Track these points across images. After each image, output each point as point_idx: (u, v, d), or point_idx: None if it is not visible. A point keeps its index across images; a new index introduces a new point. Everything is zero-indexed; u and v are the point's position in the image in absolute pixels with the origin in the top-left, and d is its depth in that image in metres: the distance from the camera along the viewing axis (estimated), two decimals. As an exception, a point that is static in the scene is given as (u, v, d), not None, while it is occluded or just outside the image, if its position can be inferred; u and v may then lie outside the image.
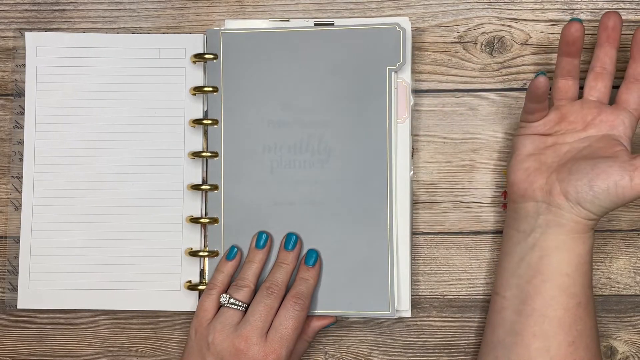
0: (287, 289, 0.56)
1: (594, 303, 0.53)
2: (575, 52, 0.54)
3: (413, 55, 0.60)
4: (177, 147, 0.60)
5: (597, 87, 0.55)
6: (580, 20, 0.53)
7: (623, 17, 0.59)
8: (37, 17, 0.61)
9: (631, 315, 0.60)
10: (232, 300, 0.54)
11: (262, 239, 0.57)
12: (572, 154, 0.53)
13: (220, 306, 0.55)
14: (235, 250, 0.57)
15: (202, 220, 0.58)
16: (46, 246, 0.59)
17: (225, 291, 0.56)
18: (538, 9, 0.60)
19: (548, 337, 0.51)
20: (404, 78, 0.58)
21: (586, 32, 0.60)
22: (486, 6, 0.60)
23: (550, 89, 0.55)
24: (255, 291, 0.56)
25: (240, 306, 0.54)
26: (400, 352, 0.61)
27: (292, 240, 0.57)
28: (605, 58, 0.55)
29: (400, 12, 0.61)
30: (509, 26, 0.60)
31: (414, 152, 0.60)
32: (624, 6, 0.60)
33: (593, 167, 0.50)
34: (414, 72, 0.60)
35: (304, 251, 0.58)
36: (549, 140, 0.55)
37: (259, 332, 0.53)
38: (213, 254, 0.58)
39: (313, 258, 0.57)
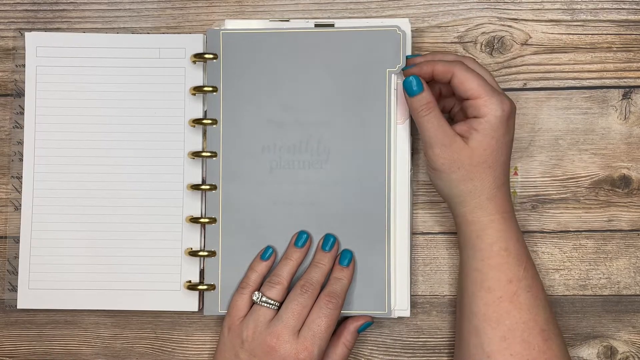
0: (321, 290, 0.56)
1: (533, 296, 0.52)
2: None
3: (413, 55, 0.60)
4: (177, 147, 0.60)
5: None
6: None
7: (623, 17, 0.59)
8: (37, 17, 0.61)
9: (631, 315, 0.60)
10: (264, 298, 0.55)
11: (303, 239, 0.57)
12: None
13: (252, 304, 0.55)
14: (271, 250, 0.57)
15: (201, 220, 0.58)
16: (46, 246, 0.59)
17: (258, 289, 0.56)
18: (538, 9, 0.60)
19: (479, 333, 0.52)
20: (403, 78, 0.57)
21: (586, 33, 0.60)
22: (486, 6, 0.60)
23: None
24: (288, 290, 0.56)
25: (272, 304, 0.54)
26: (400, 352, 0.60)
27: (330, 241, 0.57)
28: None
29: (400, 12, 0.60)
30: (509, 26, 0.60)
31: (413, 152, 0.59)
32: (623, 6, 0.60)
33: None
34: (413, 72, 0.60)
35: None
36: None
37: (291, 330, 0.53)
38: (211, 254, 0.58)
39: (347, 258, 0.57)
